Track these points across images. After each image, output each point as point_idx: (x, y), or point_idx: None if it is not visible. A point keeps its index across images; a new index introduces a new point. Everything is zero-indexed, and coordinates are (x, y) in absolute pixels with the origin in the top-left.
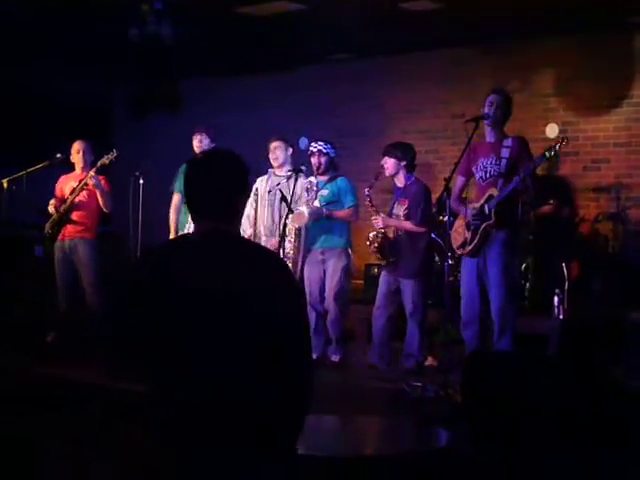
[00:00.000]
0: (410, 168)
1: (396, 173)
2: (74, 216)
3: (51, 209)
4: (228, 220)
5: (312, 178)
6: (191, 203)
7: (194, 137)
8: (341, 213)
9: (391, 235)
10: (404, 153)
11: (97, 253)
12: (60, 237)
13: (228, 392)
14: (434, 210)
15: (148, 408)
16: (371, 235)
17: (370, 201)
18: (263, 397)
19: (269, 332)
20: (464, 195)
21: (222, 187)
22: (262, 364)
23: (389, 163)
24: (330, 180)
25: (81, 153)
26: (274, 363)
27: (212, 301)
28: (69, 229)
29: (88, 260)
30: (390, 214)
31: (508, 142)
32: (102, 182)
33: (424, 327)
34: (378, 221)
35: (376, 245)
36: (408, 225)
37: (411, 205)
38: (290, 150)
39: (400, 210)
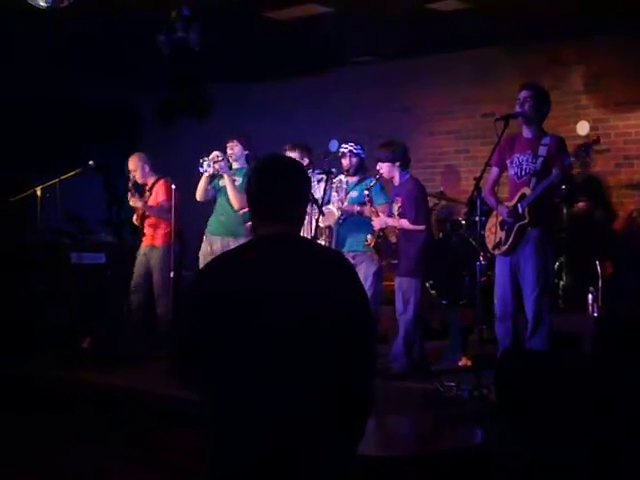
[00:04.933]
0: (405, 166)
1: (392, 174)
2: (146, 224)
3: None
4: (298, 224)
5: (341, 176)
6: (264, 207)
7: (227, 145)
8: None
9: (394, 239)
10: (394, 154)
11: (167, 260)
12: (142, 243)
13: (297, 400)
14: (465, 210)
15: (205, 418)
16: (369, 236)
17: (370, 201)
18: (331, 404)
19: (341, 338)
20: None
21: (297, 191)
22: (331, 370)
23: (384, 167)
24: (360, 181)
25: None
26: (342, 369)
27: (290, 307)
28: (145, 236)
29: (156, 267)
30: (390, 214)
31: (547, 140)
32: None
33: (411, 329)
34: (376, 221)
35: (373, 245)
36: (405, 223)
37: (404, 203)
38: (306, 160)
39: (395, 209)
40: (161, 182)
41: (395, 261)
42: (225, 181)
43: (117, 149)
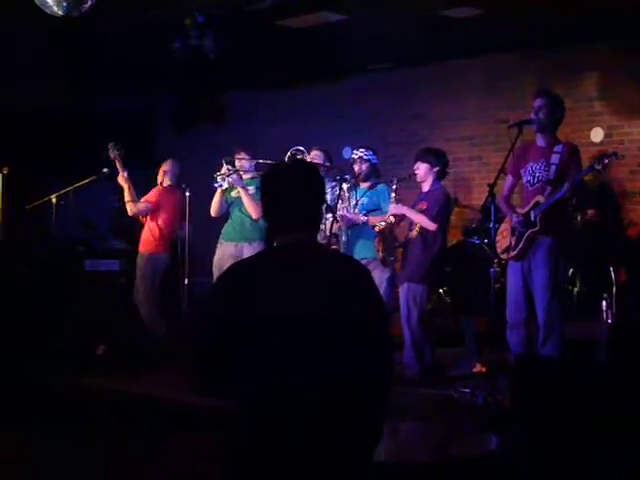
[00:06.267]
0: (440, 175)
1: (426, 178)
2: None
3: None
4: (315, 230)
5: (344, 185)
6: (280, 215)
7: (235, 157)
8: (379, 219)
9: (401, 239)
10: (437, 159)
11: (149, 268)
12: None
13: (318, 405)
14: (479, 217)
15: (232, 424)
16: (380, 224)
17: (395, 190)
18: (350, 409)
19: (359, 344)
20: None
21: (313, 197)
22: (348, 377)
23: (421, 168)
24: (370, 187)
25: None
26: (361, 371)
27: (307, 314)
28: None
29: (140, 274)
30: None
31: (559, 148)
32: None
33: (419, 334)
34: (393, 206)
35: (379, 230)
36: (420, 217)
37: (429, 206)
38: (327, 164)
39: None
40: (160, 187)
41: (390, 258)
42: (240, 192)
43: (132, 157)
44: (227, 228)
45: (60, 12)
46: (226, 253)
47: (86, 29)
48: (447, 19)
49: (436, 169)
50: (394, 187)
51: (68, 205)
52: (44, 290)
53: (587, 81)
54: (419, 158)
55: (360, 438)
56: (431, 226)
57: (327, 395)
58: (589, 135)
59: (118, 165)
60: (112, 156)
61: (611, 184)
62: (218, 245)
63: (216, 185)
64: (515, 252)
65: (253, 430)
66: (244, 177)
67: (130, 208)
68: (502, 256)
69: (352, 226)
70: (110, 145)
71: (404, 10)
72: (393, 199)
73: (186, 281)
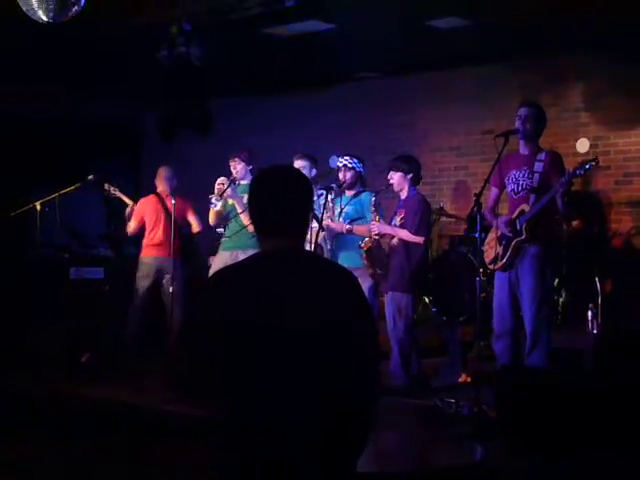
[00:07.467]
0: (415, 181)
1: (402, 186)
2: None
3: None
4: (302, 237)
5: (330, 195)
6: (267, 221)
7: (230, 164)
8: (362, 228)
9: (385, 247)
10: (410, 166)
11: (137, 273)
12: None
13: (300, 413)
14: (465, 226)
15: (214, 432)
16: (366, 240)
17: (374, 205)
18: (334, 419)
19: (347, 349)
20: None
21: (300, 202)
22: (336, 381)
23: (395, 177)
24: (355, 196)
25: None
26: (346, 380)
27: (292, 321)
28: None
29: None
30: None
31: (542, 156)
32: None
33: (405, 344)
34: (374, 227)
35: (365, 250)
36: (404, 233)
37: (407, 215)
38: (314, 171)
39: (397, 220)
40: (143, 198)
41: (381, 271)
42: (235, 205)
43: (120, 164)
44: (224, 239)
45: (45, 18)
46: (222, 261)
47: (72, 36)
48: (434, 29)
49: (409, 176)
50: (373, 201)
51: (53, 212)
52: (28, 298)
53: (573, 92)
54: (392, 167)
55: (345, 448)
56: (416, 239)
57: (313, 404)
58: (574, 146)
59: (124, 199)
60: (114, 196)
61: (597, 194)
62: (217, 255)
63: (211, 206)
64: (503, 262)
65: (237, 440)
66: (241, 183)
67: (130, 232)
68: (490, 266)
69: (336, 236)
70: (106, 186)
71: (391, 20)
72: (373, 214)
73: (170, 289)
